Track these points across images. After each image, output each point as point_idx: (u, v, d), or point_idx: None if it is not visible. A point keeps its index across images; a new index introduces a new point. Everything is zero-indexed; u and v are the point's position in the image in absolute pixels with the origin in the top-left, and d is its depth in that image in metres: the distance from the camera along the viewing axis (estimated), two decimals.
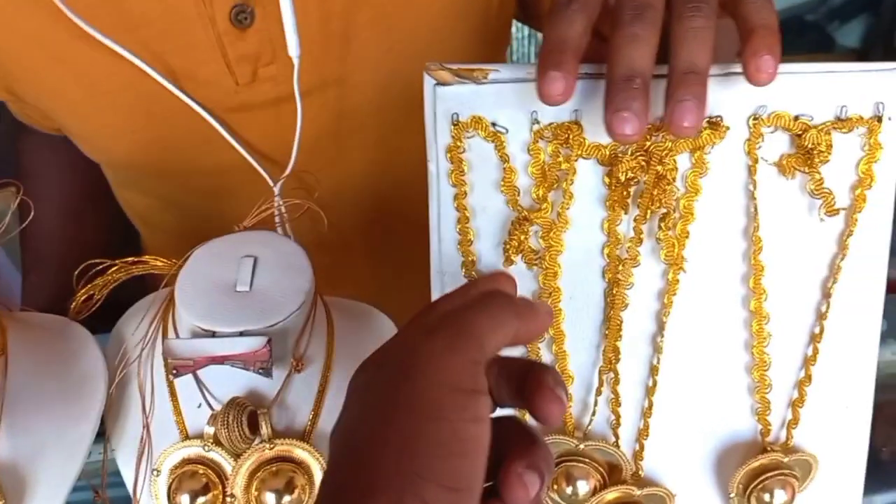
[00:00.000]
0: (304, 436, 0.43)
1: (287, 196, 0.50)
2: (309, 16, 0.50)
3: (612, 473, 0.43)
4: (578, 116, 0.38)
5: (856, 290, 0.40)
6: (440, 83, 0.38)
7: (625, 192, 0.38)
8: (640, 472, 0.43)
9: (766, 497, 0.41)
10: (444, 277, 0.42)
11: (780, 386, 0.42)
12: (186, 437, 0.43)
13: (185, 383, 0.43)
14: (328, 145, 0.56)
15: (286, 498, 0.41)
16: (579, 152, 0.38)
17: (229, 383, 0.43)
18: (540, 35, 1.17)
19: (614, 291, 0.40)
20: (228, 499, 0.42)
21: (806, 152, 0.37)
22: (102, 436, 0.45)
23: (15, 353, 0.42)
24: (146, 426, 0.44)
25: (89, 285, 0.46)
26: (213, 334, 0.41)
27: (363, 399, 0.29)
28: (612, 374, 0.42)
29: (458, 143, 0.39)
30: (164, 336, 0.44)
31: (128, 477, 0.44)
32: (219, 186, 0.58)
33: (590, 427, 0.42)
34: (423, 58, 0.39)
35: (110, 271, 0.46)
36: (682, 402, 0.42)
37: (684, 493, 0.43)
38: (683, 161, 0.38)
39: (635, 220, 0.39)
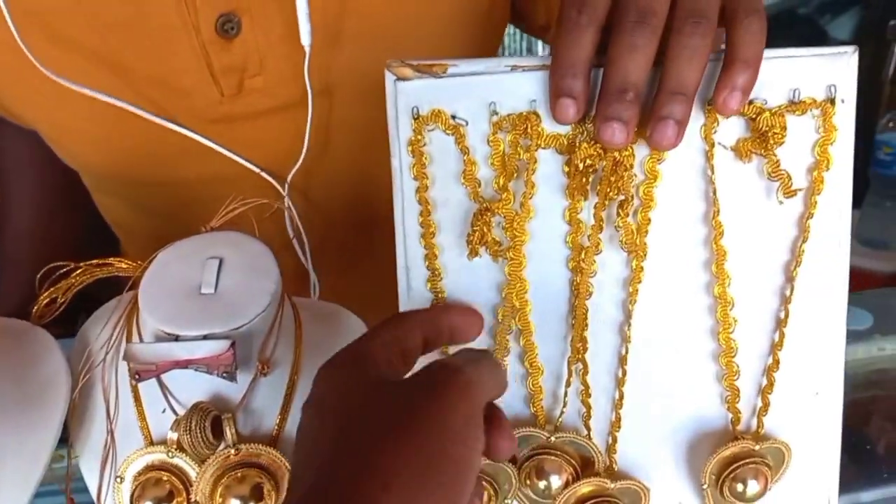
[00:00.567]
0: (271, 441, 0.42)
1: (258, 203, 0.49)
2: (296, 26, 0.49)
3: (584, 466, 0.42)
4: (536, 106, 0.38)
5: (819, 273, 0.40)
6: (400, 79, 0.39)
7: (584, 180, 0.38)
8: (613, 465, 0.43)
9: (739, 487, 0.41)
10: (410, 273, 0.42)
11: (749, 373, 0.41)
12: (151, 442, 0.42)
13: (149, 388, 0.43)
14: (316, 154, 0.56)
15: None
16: (538, 142, 0.39)
17: (194, 387, 0.42)
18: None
19: (578, 280, 0.40)
20: None
21: (761, 135, 0.38)
22: (67, 441, 0.44)
23: None
24: (110, 432, 0.43)
25: (52, 288, 0.46)
26: (177, 338, 0.41)
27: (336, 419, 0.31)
28: (580, 365, 0.42)
29: (419, 137, 0.39)
30: (129, 340, 0.44)
31: (92, 484, 0.43)
32: (199, 196, 0.57)
33: (561, 419, 0.42)
34: None
35: (74, 274, 0.46)
36: (651, 392, 0.42)
37: (657, 485, 0.43)
38: (642, 148, 0.39)
39: (595, 207, 0.39)
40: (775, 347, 0.41)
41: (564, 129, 0.38)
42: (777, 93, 0.38)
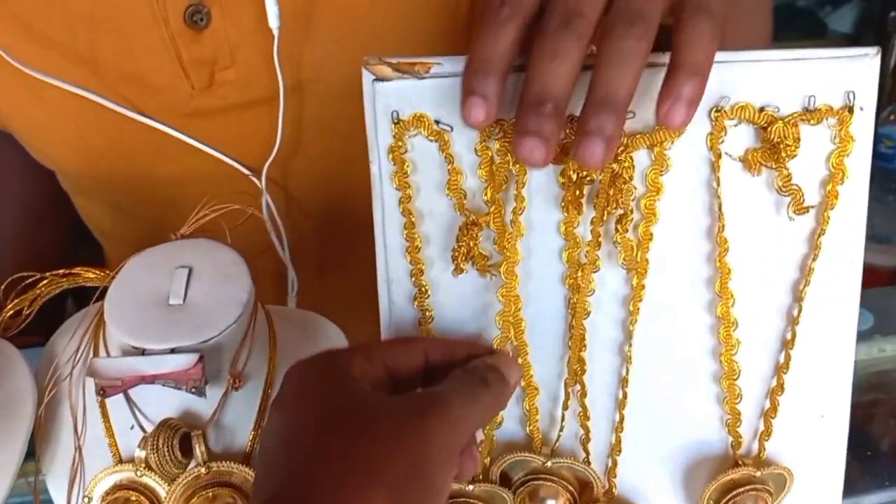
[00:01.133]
0: (244, 458, 0.40)
1: (235, 201, 0.47)
2: (264, 25, 0.47)
3: (582, 491, 0.40)
4: None
5: (829, 293, 0.38)
6: (379, 78, 0.36)
7: (577, 192, 0.35)
8: (613, 490, 0.40)
9: None
10: (391, 286, 0.39)
11: (751, 395, 0.39)
12: (120, 460, 0.40)
13: (117, 403, 0.40)
14: (291, 148, 0.53)
15: None
16: None
17: (163, 403, 0.40)
18: None
19: (575, 299, 0.38)
20: None
21: (772, 146, 0.35)
22: (33, 456, 0.42)
23: None
24: (78, 449, 0.41)
25: (18, 299, 0.43)
26: (143, 352, 0.38)
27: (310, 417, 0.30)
28: (578, 387, 0.39)
29: (400, 143, 0.36)
30: (96, 353, 0.41)
31: (60, 502, 0.41)
32: (176, 196, 0.55)
33: (558, 443, 0.40)
34: None
35: (40, 284, 0.43)
36: (651, 415, 0.40)
37: None
38: (643, 158, 0.36)
39: (592, 222, 0.36)
40: (780, 370, 0.38)
41: None
42: (790, 99, 0.35)
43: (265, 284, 0.45)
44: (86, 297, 0.45)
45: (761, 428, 0.39)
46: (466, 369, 0.34)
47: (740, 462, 0.39)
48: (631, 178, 0.35)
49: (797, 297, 0.37)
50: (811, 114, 0.35)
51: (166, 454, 0.38)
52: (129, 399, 0.40)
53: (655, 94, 0.32)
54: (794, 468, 0.40)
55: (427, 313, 0.38)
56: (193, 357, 0.38)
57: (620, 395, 0.39)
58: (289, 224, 0.51)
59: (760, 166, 0.35)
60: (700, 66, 0.30)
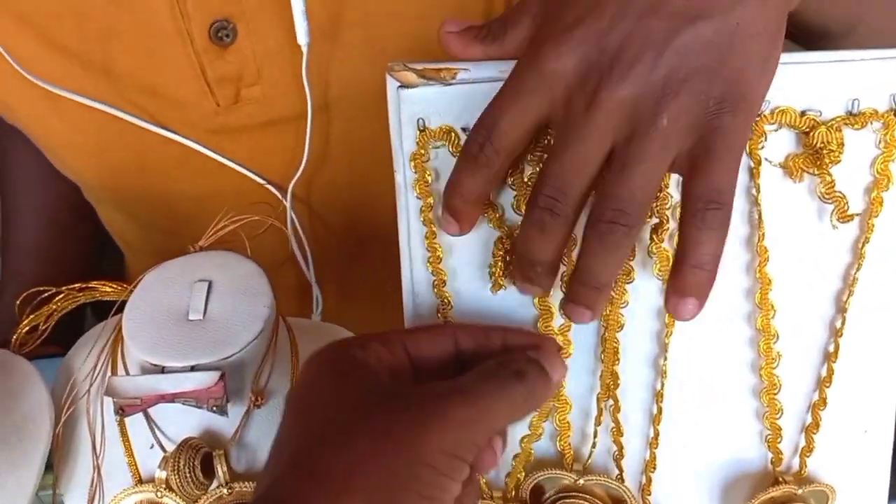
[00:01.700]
0: None
1: (254, 213, 0.46)
2: (295, 33, 0.46)
3: None
4: None
5: (873, 303, 0.36)
6: (404, 85, 0.34)
7: None
8: None
9: None
10: (417, 299, 0.38)
11: (792, 410, 0.38)
12: (139, 480, 0.39)
13: (136, 422, 0.39)
14: (317, 164, 0.52)
15: None
16: None
17: (184, 421, 0.39)
18: None
19: (608, 311, 0.36)
20: None
21: (815, 152, 0.33)
22: (52, 476, 0.41)
23: None
24: (97, 468, 0.40)
25: (33, 315, 0.42)
26: (163, 369, 0.37)
27: (327, 411, 0.29)
28: (611, 402, 0.38)
29: (423, 151, 0.35)
30: (114, 369, 0.40)
31: None
32: (198, 211, 0.54)
33: (590, 460, 0.38)
34: None
35: (56, 299, 0.42)
36: (687, 430, 0.38)
37: None
38: None
39: None
40: (822, 383, 0.37)
41: None
42: (833, 103, 0.33)
43: (286, 297, 0.44)
44: (105, 305, 0.44)
45: (802, 443, 0.38)
46: (501, 360, 0.32)
47: (780, 479, 0.38)
48: (666, 185, 0.34)
49: (840, 308, 0.36)
50: (855, 118, 0.33)
51: (187, 475, 0.37)
52: (148, 418, 0.39)
53: None
54: (837, 485, 0.38)
55: None
56: (214, 375, 0.37)
57: (655, 410, 0.38)
58: (312, 241, 0.50)
59: (802, 173, 0.34)
60: (708, 262, 0.30)
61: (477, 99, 0.34)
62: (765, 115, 0.33)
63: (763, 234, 0.35)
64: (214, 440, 0.39)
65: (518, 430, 0.38)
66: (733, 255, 0.36)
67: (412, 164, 0.35)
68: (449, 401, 0.29)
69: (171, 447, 0.38)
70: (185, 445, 0.38)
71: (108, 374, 0.40)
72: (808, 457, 0.38)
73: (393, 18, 0.47)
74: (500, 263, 0.35)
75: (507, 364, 0.32)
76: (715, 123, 0.29)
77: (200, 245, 0.42)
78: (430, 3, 0.47)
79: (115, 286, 0.42)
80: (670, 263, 0.35)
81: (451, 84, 0.34)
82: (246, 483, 0.38)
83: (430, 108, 0.34)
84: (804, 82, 0.33)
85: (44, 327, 0.42)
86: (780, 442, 0.38)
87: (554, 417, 0.38)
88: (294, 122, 0.48)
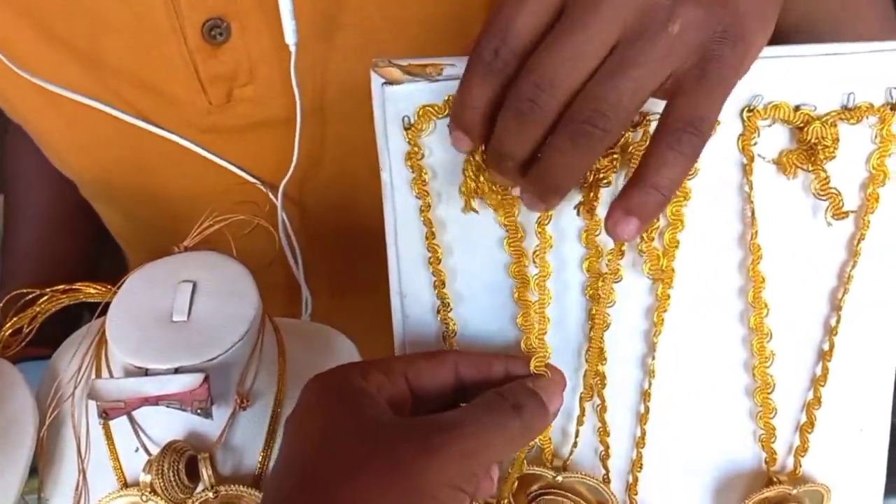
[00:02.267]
0: (253, 481, 0.38)
1: (238, 212, 0.45)
2: (284, 42, 0.45)
3: None
4: None
5: (869, 301, 0.36)
6: (389, 82, 0.34)
7: (592, 194, 0.33)
8: None
9: None
10: (405, 299, 0.37)
11: (786, 409, 0.37)
12: (125, 484, 0.39)
13: (121, 424, 0.39)
14: (308, 168, 0.51)
15: None
16: None
17: (169, 424, 0.38)
18: None
19: (594, 310, 0.36)
20: None
21: (809, 148, 0.33)
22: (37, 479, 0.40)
23: None
24: (82, 471, 0.39)
25: (17, 317, 0.42)
26: (146, 371, 0.37)
27: (327, 441, 0.29)
28: (598, 401, 0.37)
29: (417, 149, 0.34)
30: (98, 372, 0.40)
31: None
32: (190, 211, 0.53)
33: (571, 459, 0.38)
34: None
35: (40, 301, 0.42)
36: (677, 430, 0.38)
37: None
38: None
39: None
40: (817, 382, 0.36)
41: None
42: (828, 97, 0.32)
43: (275, 297, 0.43)
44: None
45: (797, 443, 0.37)
46: (500, 391, 0.31)
47: (774, 479, 0.37)
48: None
49: (835, 306, 0.35)
50: (850, 112, 0.32)
51: (172, 478, 0.37)
52: (132, 421, 0.38)
53: None
54: (831, 484, 0.38)
55: (451, 326, 0.36)
56: (199, 377, 0.36)
57: (642, 410, 0.37)
58: (303, 240, 0.50)
59: (796, 169, 0.33)
60: (666, 186, 0.28)
61: None
62: (758, 111, 0.33)
63: (756, 232, 0.34)
64: (199, 443, 0.38)
65: None
66: (725, 253, 0.35)
67: (407, 163, 0.34)
68: (450, 435, 0.29)
69: (155, 450, 0.38)
70: (170, 449, 0.37)
71: (93, 376, 0.40)
72: (802, 456, 0.37)
73: (392, 23, 0.46)
74: (470, 182, 0.33)
75: (506, 396, 0.31)
76: (716, 51, 0.27)
77: (185, 245, 0.41)
78: (430, 8, 0.46)
79: (99, 287, 0.41)
80: (660, 262, 0.35)
81: (437, 80, 0.33)
82: (232, 486, 0.38)
83: (415, 105, 0.34)
84: (798, 76, 0.32)
85: (28, 329, 0.42)
86: (773, 441, 0.37)
87: None
88: (287, 122, 0.47)
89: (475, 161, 0.33)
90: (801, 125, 0.32)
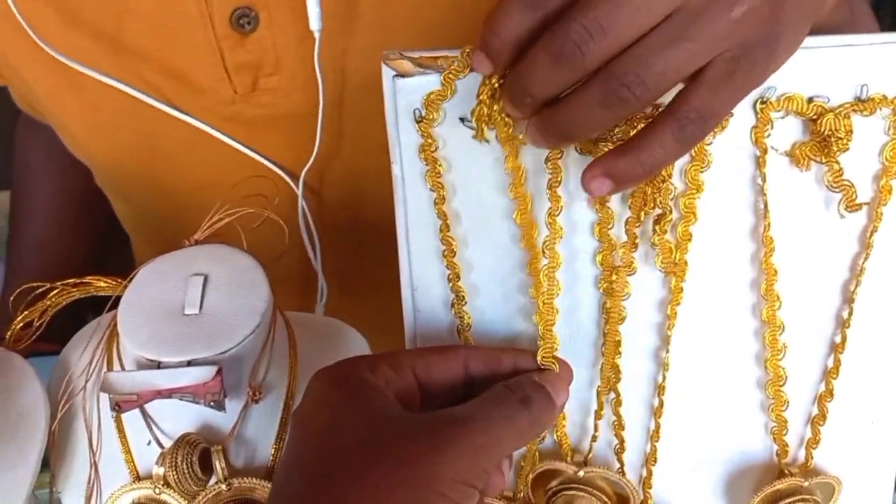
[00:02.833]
0: (266, 473, 0.38)
1: (249, 205, 0.45)
2: (305, 40, 0.45)
3: (619, 503, 0.38)
4: None
5: (881, 293, 0.36)
6: (400, 74, 0.34)
7: None
8: (648, 501, 0.39)
9: None
10: (416, 293, 0.37)
11: (798, 402, 0.37)
12: (137, 477, 0.39)
13: (133, 418, 0.39)
14: (328, 159, 0.51)
15: None
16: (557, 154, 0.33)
17: (181, 416, 0.38)
18: None
19: (609, 304, 0.36)
20: None
21: (822, 140, 0.32)
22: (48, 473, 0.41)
23: None
24: (94, 465, 0.39)
25: (28, 311, 0.42)
26: (159, 364, 0.37)
27: (334, 436, 0.29)
28: (612, 395, 0.37)
29: (430, 141, 0.34)
30: (109, 365, 0.40)
31: None
32: (205, 201, 0.53)
33: (591, 454, 0.38)
34: None
35: (50, 295, 0.42)
36: (690, 423, 0.38)
37: None
38: None
39: (627, 222, 0.34)
40: (829, 375, 0.36)
41: None
42: (841, 89, 0.32)
43: (286, 291, 0.43)
44: (107, 302, 0.43)
45: (808, 435, 0.37)
46: (508, 385, 0.31)
47: (786, 471, 0.38)
48: (669, 175, 0.33)
49: (847, 299, 0.35)
50: (864, 104, 0.32)
51: (185, 471, 0.37)
52: (145, 414, 0.39)
53: None
54: (843, 477, 0.38)
55: (465, 320, 0.36)
56: (211, 370, 0.36)
57: (656, 403, 0.37)
58: (321, 225, 0.50)
59: (809, 161, 0.33)
60: (651, 165, 0.27)
61: (475, 88, 0.33)
62: (771, 103, 0.32)
63: (769, 224, 0.34)
64: (212, 436, 0.38)
65: None
66: (738, 245, 0.35)
67: (421, 155, 0.34)
68: (460, 429, 0.29)
69: (168, 443, 0.38)
70: (183, 441, 0.37)
71: (104, 370, 0.40)
72: (814, 449, 0.37)
73: (410, 22, 0.46)
74: (483, 108, 0.31)
75: (514, 389, 0.31)
76: (753, 54, 0.27)
77: (196, 238, 0.41)
78: (451, 11, 0.46)
79: (109, 281, 0.41)
80: (672, 255, 0.34)
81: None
82: (245, 479, 0.38)
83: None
84: (812, 68, 0.32)
85: (38, 323, 0.42)
86: (785, 434, 0.37)
87: None
88: (306, 116, 0.47)
89: (490, 84, 0.31)
90: (815, 117, 0.32)
